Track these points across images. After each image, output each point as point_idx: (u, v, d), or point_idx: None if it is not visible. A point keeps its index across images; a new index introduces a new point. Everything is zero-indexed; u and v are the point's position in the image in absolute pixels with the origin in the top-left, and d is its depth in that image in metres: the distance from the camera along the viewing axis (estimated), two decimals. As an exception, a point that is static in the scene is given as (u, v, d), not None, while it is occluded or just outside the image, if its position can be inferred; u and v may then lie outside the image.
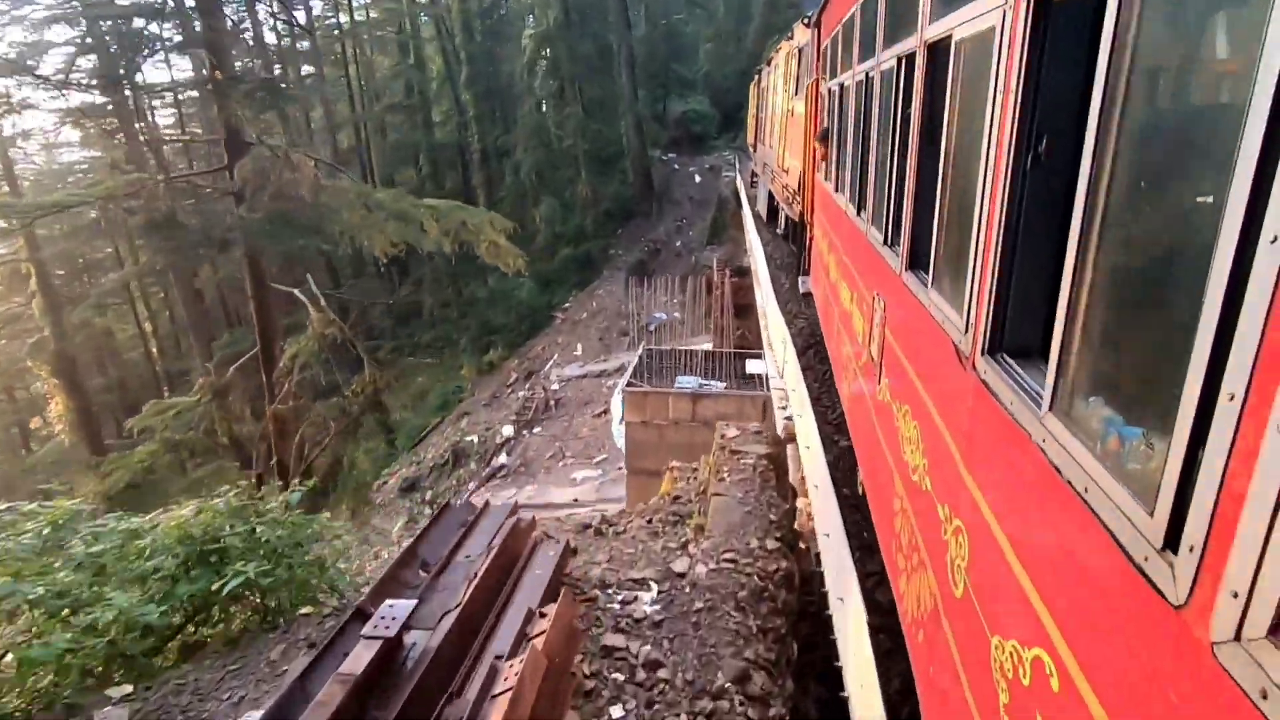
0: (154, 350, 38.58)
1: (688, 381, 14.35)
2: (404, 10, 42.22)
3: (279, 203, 17.00)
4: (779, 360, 6.46)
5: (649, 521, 6.31)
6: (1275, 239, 0.95)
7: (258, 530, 5.27)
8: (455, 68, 40.48)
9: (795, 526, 6.13)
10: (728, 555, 5.27)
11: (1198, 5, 1.24)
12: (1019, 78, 1.89)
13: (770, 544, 5.43)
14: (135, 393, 32.67)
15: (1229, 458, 1.04)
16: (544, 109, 37.59)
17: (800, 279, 10.33)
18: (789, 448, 7.05)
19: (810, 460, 5.96)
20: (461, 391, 30.94)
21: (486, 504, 5.90)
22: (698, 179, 38.21)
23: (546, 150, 37.47)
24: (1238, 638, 1.01)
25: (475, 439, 23.37)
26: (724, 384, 14.46)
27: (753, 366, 14.44)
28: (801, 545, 6.06)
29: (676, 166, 39.75)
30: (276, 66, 37.25)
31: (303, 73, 42.27)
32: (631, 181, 37.54)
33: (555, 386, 24.41)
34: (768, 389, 11.37)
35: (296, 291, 19.40)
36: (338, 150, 41.03)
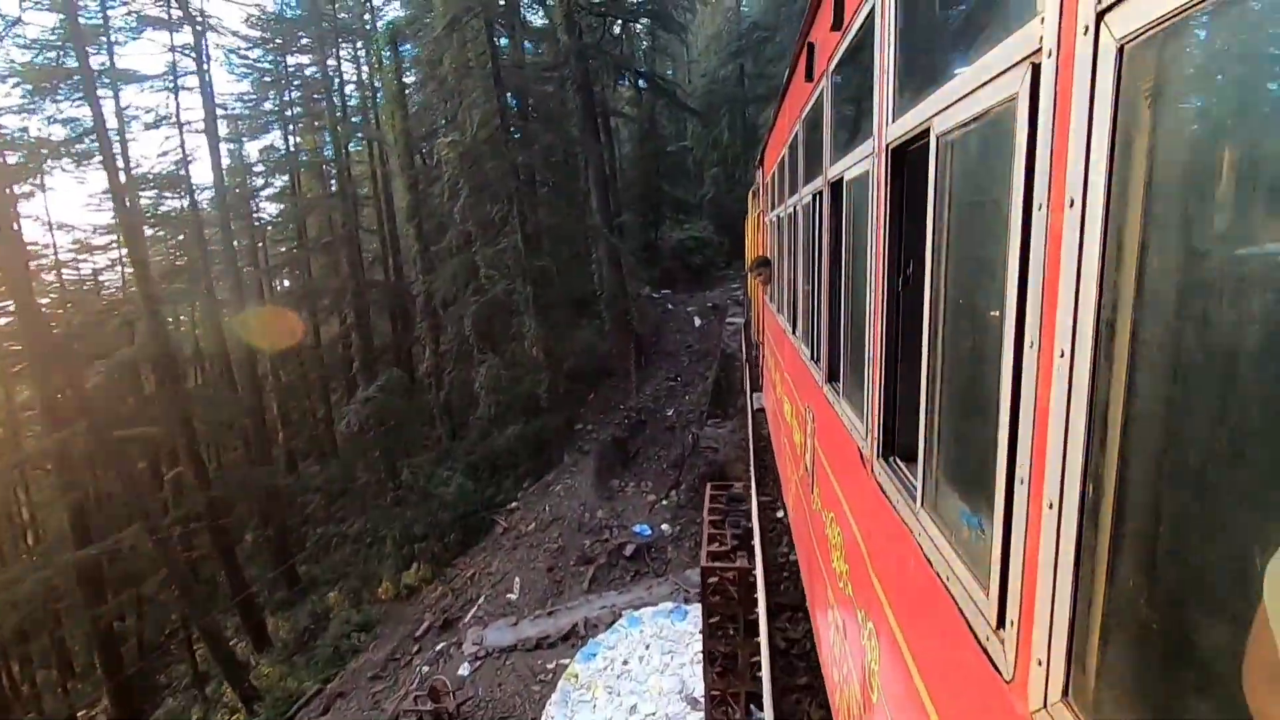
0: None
1: None
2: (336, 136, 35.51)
3: None
4: None
5: None
6: (1032, 344, 1.13)
7: None
8: (404, 196, 32.10)
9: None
10: None
11: (984, 149, 1.51)
12: (887, 212, 2.17)
13: None
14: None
15: (1025, 535, 1.17)
16: (474, 241, 27.24)
17: (754, 395, 10.63)
18: None
19: None
20: (364, 631, 21.65)
21: None
22: (697, 321, 29.37)
23: (493, 292, 26.86)
24: (1045, 705, 1.09)
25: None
26: None
27: None
28: None
29: (671, 306, 31.38)
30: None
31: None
32: (607, 330, 27.88)
33: (464, 670, 15.00)
34: None
35: None
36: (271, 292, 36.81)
